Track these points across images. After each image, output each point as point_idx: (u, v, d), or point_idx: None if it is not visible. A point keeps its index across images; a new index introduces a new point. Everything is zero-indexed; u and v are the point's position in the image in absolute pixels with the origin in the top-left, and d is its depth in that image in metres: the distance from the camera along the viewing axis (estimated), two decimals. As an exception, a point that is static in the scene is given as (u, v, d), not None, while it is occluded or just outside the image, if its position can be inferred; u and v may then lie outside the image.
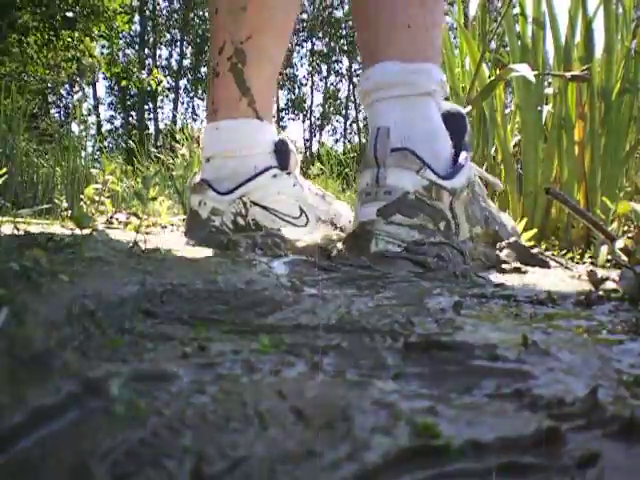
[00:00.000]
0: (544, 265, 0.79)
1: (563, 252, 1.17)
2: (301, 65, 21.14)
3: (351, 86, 19.97)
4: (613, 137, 1.49)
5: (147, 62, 16.90)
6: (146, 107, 17.88)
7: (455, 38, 2.92)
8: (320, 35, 19.42)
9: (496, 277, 0.65)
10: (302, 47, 19.78)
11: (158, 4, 18.06)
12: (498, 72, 1.54)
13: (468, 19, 1.97)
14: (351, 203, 2.66)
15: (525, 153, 1.58)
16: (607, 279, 0.57)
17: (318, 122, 20.17)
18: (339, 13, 19.56)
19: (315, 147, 16.66)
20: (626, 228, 1.12)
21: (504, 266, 0.72)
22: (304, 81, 20.37)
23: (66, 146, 2.58)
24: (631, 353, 0.31)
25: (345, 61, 20.23)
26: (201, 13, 18.22)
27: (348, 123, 20.43)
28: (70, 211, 1.39)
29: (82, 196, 1.13)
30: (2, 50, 5.55)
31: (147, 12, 17.54)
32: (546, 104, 1.63)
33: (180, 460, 0.16)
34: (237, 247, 0.75)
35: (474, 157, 1.68)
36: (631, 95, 1.50)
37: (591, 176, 1.50)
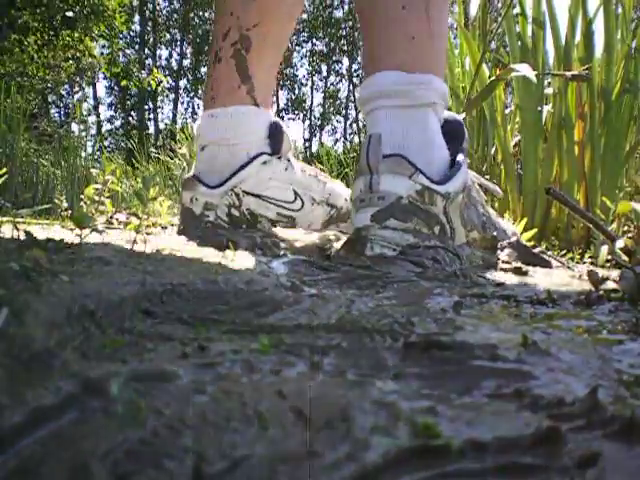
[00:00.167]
0: (546, 265, 0.79)
1: (563, 252, 1.17)
2: (301, 65, 21.15)
3: (351, 86, 19.98)
4: (613, 137, 1.49)
5: (147, 62, 16.90)
6: (146, 107, 17.89)
7: (455, 38, 2.92)
8: (320, 35, 19.42)
9: (496, 277, 0.65)
10: (302, 47, 19.79)
11: (158, 4, 18.06)
12: (498, 72, 1.54)
13: (468, 19, 1.97)
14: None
15: (525, 153, 1.58)
16: (607, 279, 0.57)
17: (318, 122, 20.18)
18: (339, 13, 19.56)
19: (315, 147, 16.68)
20: (626, 228, 1.12)
21: (504, 266, 0.72)
22: (304, 81, 20.38)
23: (66, 146, 2.58)
24: (631, 353, 0.31)
25: (345, 61, 20.24)
26: (201, 13, 18.22)
27: (348, 123, 20.45)
28: (70, 211, 1.39)
29: (82, 196, 1.13)
30: (2, 50, 5.55)
31: (147, 12, 17.54)
32: (546, 104, 1.63)
33: (180, 460, 0.16)
34: (237, 247, 0.75)
35: (474, 157, 1.68)
36: (631, 95, 1.50)
37: (591, 176, 1.50)
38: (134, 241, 0.61)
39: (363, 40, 0.87)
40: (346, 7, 19.48)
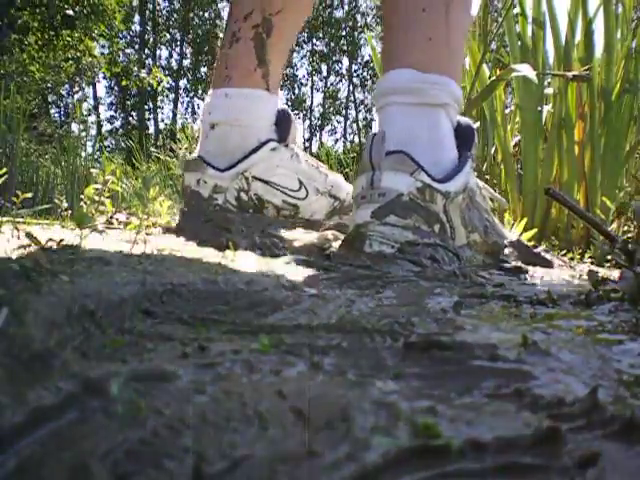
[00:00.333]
0: (547, 264, 0.79)
1: (563, 252, 1.17)
2: (301, 65, 21.14)
3: (351, 86, 19.98)
4: (613, 137, 1.49)
5: (147, 62, 16.90)
6: (146, 107, 17.88)
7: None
8: (320, 35, 19.42)
9: (496, 277, 0.65)
10: (302, 47, 19.78)
11: (158, 4, 18.06)
12: (498, 72, 1.54)
13: (468, 19, 1.97)
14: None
15: (525, 153, 1.58)
16: (607, 279, 0.57)
17: (318, 122, 20.17)
18: (339, 13, 19.57)
19: (315, 147, 16.68)
20: (626, 228, 1.12)
21: (505, 265, 0.72)
22: (304, 81, 20.38)
23: (66, 146, 2.58)
24: (631, 353, 0.31)
25: (345, 61, 20.25)
26: (201, 13, 18.22)
27: (348, 123, 20.45)
28: (70, 211, 1.39)
29: (82, 196, 1.13)
30: (2, 50, 5.55)
31: (147, 12, 17.54)
32: (546, 104, 1.63)
33: (180, 460, 0.16)
34: (237, 247, 0.75)
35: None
36: (631, 95, 1.50)
37: (591, 176, 1.50)
38: (134, 241, 0.61)
39: (383, 41, 0.88)
40: (346, 7, 19.50)
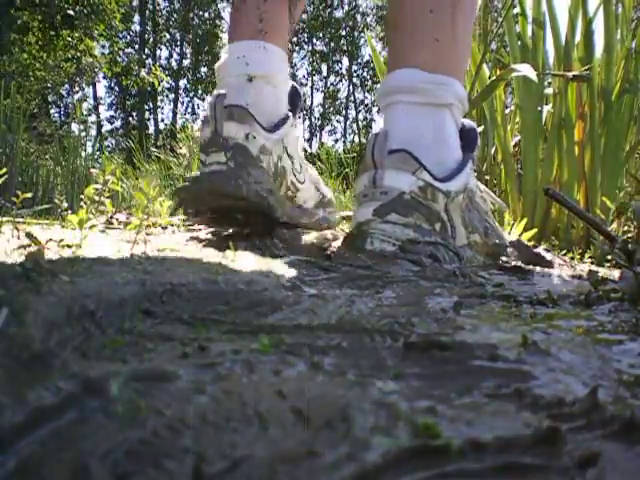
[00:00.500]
0: (547, 264, 0.79)
1: (563, 252, 1.17)
2: (301, 65, 21.13)
3: (351, 86, 19.98)
4: (613, 137, 1.49)
5: (147, 62, 16.89)
6: (146, 107, 17.88)
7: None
8: (320, 35, 19.42)
9: (496, 277, 0.65)
10: (302, 47, 19.78)
11: (158, 4, 18.06)
12: (499, 72, 1.54)
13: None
14: (352, 203, 2.65)
15: (525, 153, 1.58)
16: (607, 279, 0.57)
17: (318, 122, 20.17)
18: (339, 13, 19.57)
19: (315, 147, 16.68)
20: (626, 228, 1.12)
21: (505, 265, 0.72)
22: (304, 81, 20.37)
23: (66, 146, 2.58)
24: (631, 353, 0.31)
25: (345, 61, 20.25)
26: (201, 13, 18.23)
27: (348, 123, 20.45)
28: (70, 211, 1.39)
29: (82, 196, 1.14)
30: (2, 50, 5.55)
31: (147, 12, 17.54)
32: (546, 104, 1.63)
33: (180, 460, 0.16)
34: (237, 247, 0.75)
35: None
36: (631, 95, 1.50)
37: (591, 176, 1.50)
38: (134, 241, 0.61)
39: (389, 43, 0.87)
40: (346, 7, 19.50)
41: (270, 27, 0.89)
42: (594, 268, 0.82)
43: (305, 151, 1.04)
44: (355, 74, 20.04)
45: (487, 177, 1.66)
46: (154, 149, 3.91)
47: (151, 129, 17.60)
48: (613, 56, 1.50)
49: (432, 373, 0.26)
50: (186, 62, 18.85)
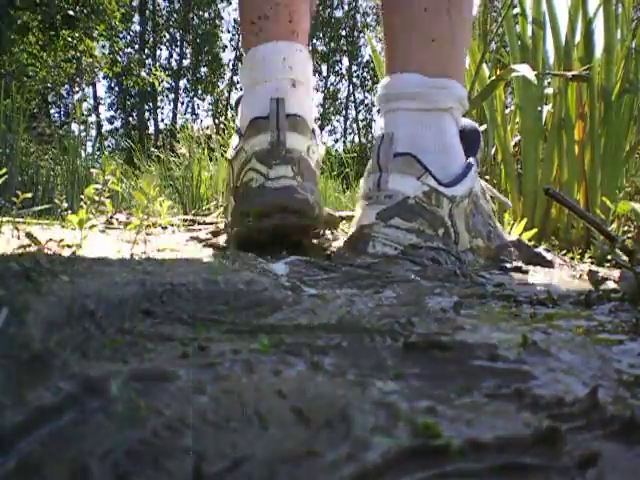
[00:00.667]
0: (548, 264, 0.79)
1: (563, 252, 1.17)
2: (301, 65, 21.06)
3: (351, 86, 19.98)
4: (613, 137, 1.49)
5: (147, 62, 16.89)
6: (146, 107, 17.89)
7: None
8: (320, 35, 19.42)
9: (496, 277, 0.65)
10: (302, 47, 19.74)
11: (158, 4, 18.06)
12: (498, 72, 1.54)
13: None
14: (352, 203, 2.66)
15: (525, 153, 1.58)
16: (607, 279, 0.57)
17: (318, 122, 20.13)
18: (339, 13, 19.57)
19: (315, 147, 16.61)
20: (626, 228, 1.12)
21: (505, 265, 0.72)
22: (304, 81, 20.31)
23: (66, 146, 2.58)
24: (631, 353, 0.31)
25: (345, 61, 20.25)
26: (201, 13, 18.23)
27: (348, 123, 20.45)
28: (70, 211, 1.39)
29: (82, 196, 1.14)
30: (2, 50, 5.56)
31: (147, 12, 17.54)
32: (546, 104, 1.63)
33: (180, 460, 0.16)
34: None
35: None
36: (631, 95, 1.50)
37: (591, 176, 1.50)
38: (134, 241, 0.61)
39: (384, 41, 0.86)
40: (346, 7, 19.50)
41: (299, 27, 0.84)
42: (594, 268, 0.82)
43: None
44: (355, 74, 20.05)
45: (487, 177, 1.66)
46: (154, 149, 3.90)
47: (151, 129, 17.60)
48: (613, 56, 1.50)
49: (432, 373, 0.26)
50: (186, 62, 18.86)
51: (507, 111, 1.72)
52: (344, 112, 20.42)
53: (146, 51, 17.52)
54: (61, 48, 6.34)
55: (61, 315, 0.30)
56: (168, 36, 18.54)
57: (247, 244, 0.74)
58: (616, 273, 0.63)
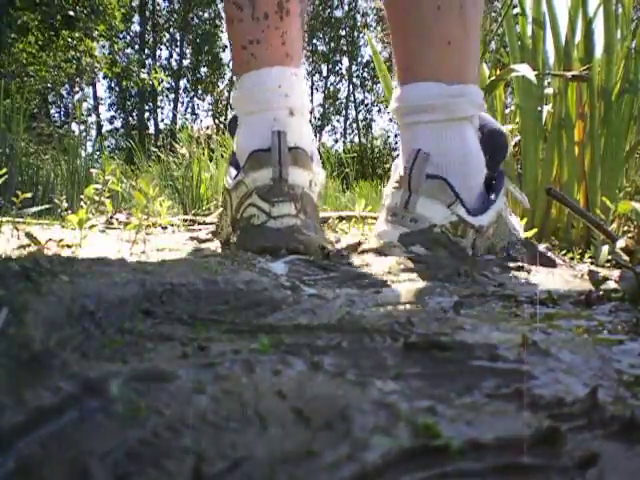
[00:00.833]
0: (551, 264, 0.79)
1: (563, 252, 1.17)
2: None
3: (351, 86, 19.98)
4: (613, 137, 1.49)
5: (147, 62, 16.89)
6: (146, 107, 17.89)
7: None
8: (320, 35, 19.43)
9: (496, 277, 0.65)
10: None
11: (158, 4, 18.07)
12: (498, 72, 1.54)
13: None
14: (352, 203, 2.65)
15: (525, 153, 1.58)
16: (607, 279, 0.57)
17: (318, 122, 20.17)
18: (339, 13, 19.57)
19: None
20: (626, 228, 1.12)
21: (507, 264, 0.72)
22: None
23: (66, 146, 2.59)
24: (631, 353, 0.31)
25: (345, 61, 20.25)
26: (201, 13, 18.23)
27: (348, 123, 20.45)
28: (70, 211, 1.39)
29: (82, 196, 1.14)
30: (2, 50, 5.56)
31: (147, 12, 17.55)
32: (546, 104, 1.63)
33: (180, 460, 0.16)
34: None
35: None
36: (631, 95, 1.50)
37: (591, 176, 1.50)
38: (134, 241, 0.61)
39: (393, 45, 0.81)
40: (346, 7, 19.50)
41: (293, 49, 0.80)
42: (594, 268, 0.82)
43: None
44: (355, 74, 20.05)
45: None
46: (154, 149, 3.91)
47: (151, 129, 17.61)
48: (613, 56, 1.50)
49: (432, 373, 0.26)
50: (186, 62, 18.87)
51: (507, 111, 1.72)
52: (344, 112, 20.43)
53: (146, 51, 17.52)
54: (61, 48, 6.34)
55: (61, 315, 0.30)
56: (168, 36, 18.54)
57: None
58: (616, 273, 0.63)
